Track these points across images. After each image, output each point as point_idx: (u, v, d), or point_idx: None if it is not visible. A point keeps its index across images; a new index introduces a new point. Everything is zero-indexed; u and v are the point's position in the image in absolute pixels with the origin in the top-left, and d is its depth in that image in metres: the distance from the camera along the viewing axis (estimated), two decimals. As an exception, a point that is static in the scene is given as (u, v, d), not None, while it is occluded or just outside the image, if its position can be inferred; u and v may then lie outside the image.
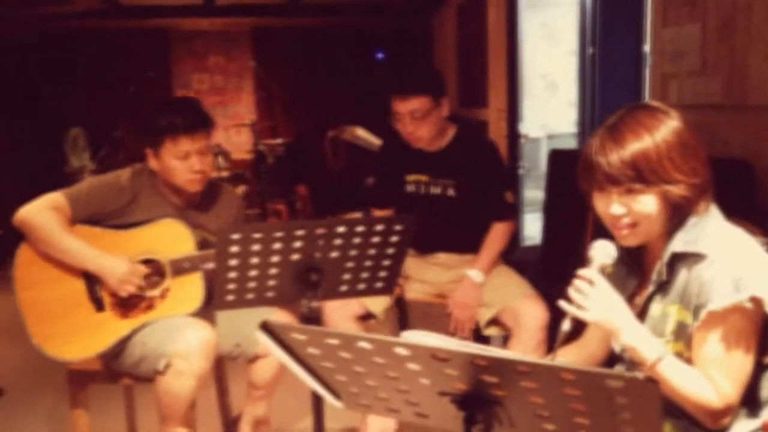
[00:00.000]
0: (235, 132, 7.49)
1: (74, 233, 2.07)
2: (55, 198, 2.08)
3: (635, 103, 1.42)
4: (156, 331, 2.06)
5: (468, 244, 2.59)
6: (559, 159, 3.26)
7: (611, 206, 1.35)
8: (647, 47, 4.00)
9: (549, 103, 5.53)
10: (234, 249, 1.68)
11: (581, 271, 1.32)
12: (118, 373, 2.16)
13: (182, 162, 2.12)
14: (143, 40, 7.34)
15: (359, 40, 7.47)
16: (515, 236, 4.69)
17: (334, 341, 0.95)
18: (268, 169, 6.52)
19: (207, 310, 2.19)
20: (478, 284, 2.46)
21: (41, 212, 2.05)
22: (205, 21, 7.40)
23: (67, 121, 6.70)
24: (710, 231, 1.32)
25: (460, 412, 0.99)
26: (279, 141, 6.83)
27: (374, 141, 4.44)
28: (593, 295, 1.29)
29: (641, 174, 1.30)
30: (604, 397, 0.83)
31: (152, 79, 7.09)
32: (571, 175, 1.45)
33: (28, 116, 7.01)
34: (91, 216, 2.12)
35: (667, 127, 1.32)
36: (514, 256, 3.17)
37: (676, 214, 1.34)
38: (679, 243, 1.33)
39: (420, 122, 2.44)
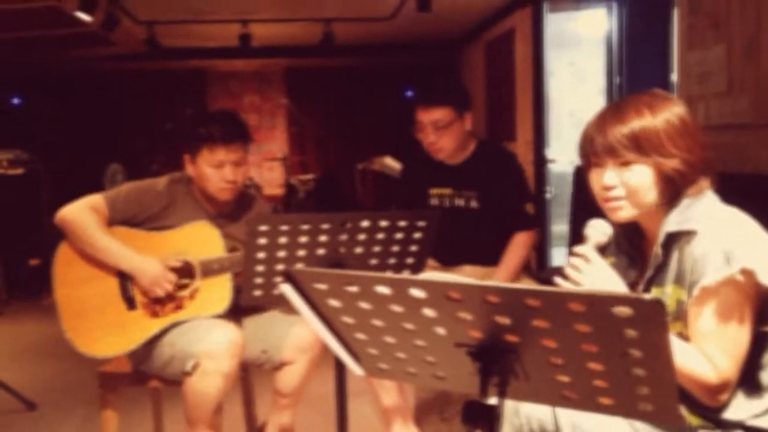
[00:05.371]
0: (268, 168, 7.66)
1: (111, 233, 2.15)
2: (94, 199, 2.18)
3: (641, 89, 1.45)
4: (184, 332, 2.11)
5: (492, 255, 2.60)
6: (583, 175, 3.28)
7: (604, 176, 1.37)
8: (674, 76, 4.03)
9: (577, 140, 5.56)
10: (262, 241, 1.73)
11: (577, 248, 1.34)
12: (147, 375, 2.20)
13: (216, 171, 2.20)
14: (181, 80, 7.64)
15: (389, 78, 7.65)
16: (543, 257, 4.68)
17: (353, 289, 0.98)
18: (299, 203, 6.64)
19: (235, 315, 2.23)
20: None
21: (81, 212, 2.14)
22: (241, 62, 7.67)
23: (106, 156, 6.94)
24: (702, 210, 1.33)
25: (476, 363, 1.00)
26: (310, 176, 6.97)
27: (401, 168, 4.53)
28: (588, 272, 1.31)
29: (638, 145, 1.33)
30: (613, 331, 0.84)
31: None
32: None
33: (70, 152, 7.29)
34: (128, 218, 2.20)
35: (670, 110, 1.35)
36: (542, 273, 3.16)
37: (670, 192, 1.35)
38: (672, 223, 1.34)
39: (442, 133, 2.50)
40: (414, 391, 2.69)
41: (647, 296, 0.77)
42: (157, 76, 7.58)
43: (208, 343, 2.03)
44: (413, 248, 1.88)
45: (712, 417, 1.31)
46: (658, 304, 0.79)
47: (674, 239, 1.34)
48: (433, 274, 1.07)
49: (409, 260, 1.91)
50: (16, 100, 7.74)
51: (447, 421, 2.76)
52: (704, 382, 1.25)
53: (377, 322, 1.04)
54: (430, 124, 2.50)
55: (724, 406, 1.30)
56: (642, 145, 1.33)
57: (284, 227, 1.73)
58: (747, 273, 1.23)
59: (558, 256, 5.05)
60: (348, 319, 1.07)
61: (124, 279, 2.16)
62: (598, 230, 1.38)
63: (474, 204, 2.60)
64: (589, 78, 5.54)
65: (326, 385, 1.90)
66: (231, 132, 2.21)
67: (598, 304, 0.80)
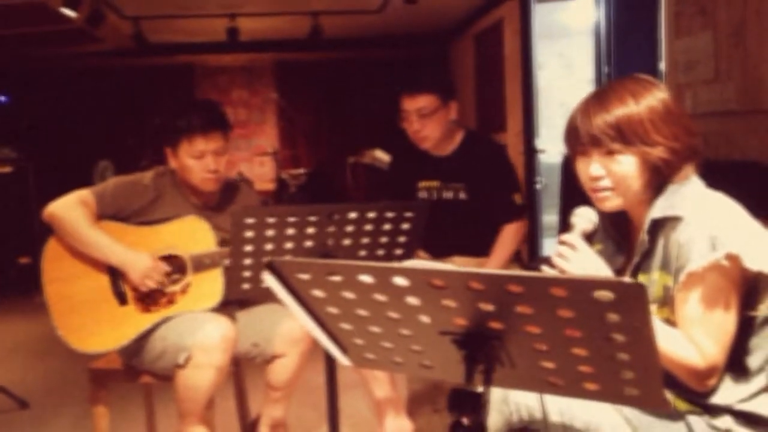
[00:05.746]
0: (258, 163, 7.63)
1: (101, 228, 2.14)
2: (82, 194, 2.17)
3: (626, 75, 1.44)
4: (177, 325, 2.10)
5: (483, 247, 2.60)
6: (572, 164, 3.28)
7: (590, 166, 1.37)
8: (663, 65, 4.03)
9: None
10: (249, 234, 1.72)
11: (563, 237, 1.34)
12: (138, 371, 2.20)
13: (198, 161, 2.19)
14: (169, 76, 7.58)
15: (379, 72, 7.62)
16: (533, 247, 4.69)
17: (336, 278, 0.97)
18: (291, 198, 6.62)
19: (228, 309, 2.23)
20: None
21: (69, 207, 2.13)
22: (229, 56, 7.62)
23: (96, 153, 6.89)
24: (687, 195, 1.33)
25: (461, 351, 1.00)
26: (301, 171, 6.94)
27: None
28: (574, 259, 1.30)
29: (622, 135, 1.32)
30: (596, 316, 0.84)
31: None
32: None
33: (59, 149, 7.24)
34: (116, 212, 2.19)
35: (654, 96, 1.35)
36: (533, 264, 3.17)
37: (656, 180, 1.35)
38: (658, 210, 1.34)
39: (426, 121, 2.49)
40: (406, 383, 2.70)
41: (628, 280, 0.77)
42: (146, 72, 7.52)
43: (200, 336, 2.03)
44: (402, 239, 1.88)
45: (700, 402, 1.32)
46: (639, 288, 0.79)
47: (660, 225, 1.34)
48: (415, 262, 1.07)
49: (398, 251, 1.90)
50: (2, 98, 7.67)
51: (439, 413, 2.76)
52: (692, 368, 1.25)
53: (362, 312, 1.04)
54: (414, 112, 2.50)
55: (711, 391, 1.30)
56: (626, 135, 1.32)
57: (271, 220, 1.72)
58: (732, 258, 1.23)
59: (549, 246, 5.06)
60: (333, 310, 1.07)
61: (115, 274, 2.15)
62: (584, 218, 1.38)
63: (462, 196, 2.60)
64: (579, 69, 5.54)
65: (319, 377, 1.90)
66: (209, 121, 2.20)
67: (579, 288, 0.80)
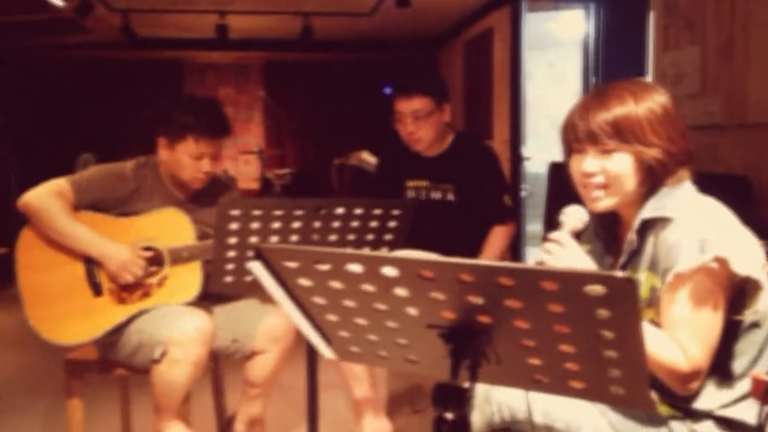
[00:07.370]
0: (244, 162, 7.59)
1: (78, 218, 2.10)
2: (59, 184, 2.12)
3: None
4: (153, 319, 2.07)
5: (469, 248, 2.59)
6: (558, 172, 3.31)
7: (585, 162, 1.37)
8: (650, 77, 4.07)
9: (554, 141, 5.59)
10: (233, 226, 1.70)
11: (552, 234, 1.34)
12: (114, 363, 2.16)
13: (195, 161, 2.16)
14: (157, 71, 7.53)
15: (367, 74, 7.63)
16: (517, 256, 4.70)
17: (324, 267, 0.96)
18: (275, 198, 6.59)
19: (205, 304, 2.20)
20: None
21: (45, 197, 2.08)
22: (218, 54, 7.58)
23: (79, 146, 6.82)
24: (679, 198, 1.34)
25: (448, 345, 0.99)
26: (286, 170, 6.90)
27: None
28: (562, 256, 1.30)
29: (620, 132, 1.33)
30: (585, 311, 0.83)
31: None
32: (570, 186, 1.47)
33: (42, 140, 7.15)
34: (94, 203, 2.15)
35: (653, 99, 1.36)
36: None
37: (649, 181, 1.36)
38: (648, 210, 1.35)
39: (421, 123, 2.49)
40: (386, 384, 2.68)
41: (620, 274, 0.76)
42: (133, 66, 7.47)
43: (176, 330, 1.99)
44: (387, 237, 1.87)
45: (682, 406, 1.32)
46: (630, 282, 0.78)
47: (650, 226, 1.35)
48: (406, 252, 1.06)
49: (384, 249, 1.89)
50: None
51: (419, 414, 2.75)
52: (676, 370, 1.25)
53: (349, 303, 1.02)
54: (409, 114, 2.49)
55: (694, 395, 1.30)
56: (623, 133, 1.33)
57: (257, 212, 1.70)
58: (721, 261, 1.23)
59: (533, 255, 5.08)
60: (319, 300, 1.05)
61: (91, 265, 2.11)
62: (573, 216, 1.38)
63: (450, 197, 2.60)
64: (568, 80, 5.58)
65: (298, 376, 1.88)
66: (220, 126, 2.18)
67: (570, 282, 0.79)
